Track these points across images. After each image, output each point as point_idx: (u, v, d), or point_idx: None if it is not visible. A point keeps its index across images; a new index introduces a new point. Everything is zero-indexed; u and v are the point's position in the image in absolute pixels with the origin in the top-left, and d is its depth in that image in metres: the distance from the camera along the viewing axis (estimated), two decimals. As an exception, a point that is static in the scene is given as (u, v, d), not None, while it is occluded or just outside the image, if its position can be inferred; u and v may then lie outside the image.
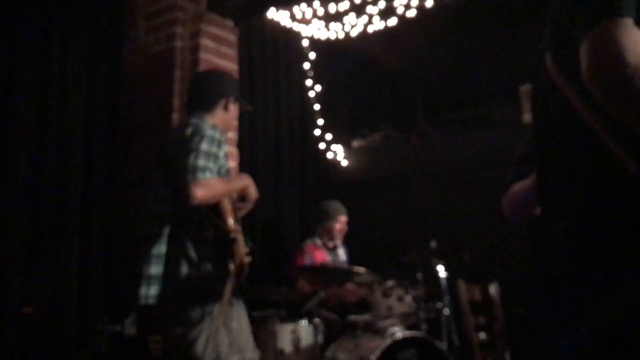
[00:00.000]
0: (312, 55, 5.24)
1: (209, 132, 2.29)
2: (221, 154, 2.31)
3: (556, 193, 1.26)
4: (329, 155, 5.40)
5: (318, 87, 5.27)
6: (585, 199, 1.17)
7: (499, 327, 3.44)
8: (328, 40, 5.20)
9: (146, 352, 2.93)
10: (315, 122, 5.30)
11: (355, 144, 5.52)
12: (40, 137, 3.13)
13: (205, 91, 2.55)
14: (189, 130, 2.33)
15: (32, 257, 2.96)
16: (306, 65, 5.23)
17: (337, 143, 5.42)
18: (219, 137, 2.31)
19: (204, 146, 2.23)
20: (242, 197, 2.46)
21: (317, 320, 3.46)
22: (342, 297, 4.07)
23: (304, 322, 3.56)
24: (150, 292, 2.27)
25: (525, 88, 4.65)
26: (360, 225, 4.62)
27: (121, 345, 2.97)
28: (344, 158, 5.42)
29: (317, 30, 5.11)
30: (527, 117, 4.61)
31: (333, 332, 3.75)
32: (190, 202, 2.15)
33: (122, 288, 3.37)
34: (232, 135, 3.87)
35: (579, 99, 1.15)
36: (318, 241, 4.35)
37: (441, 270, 3.71)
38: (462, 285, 3.43)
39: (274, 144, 4.86)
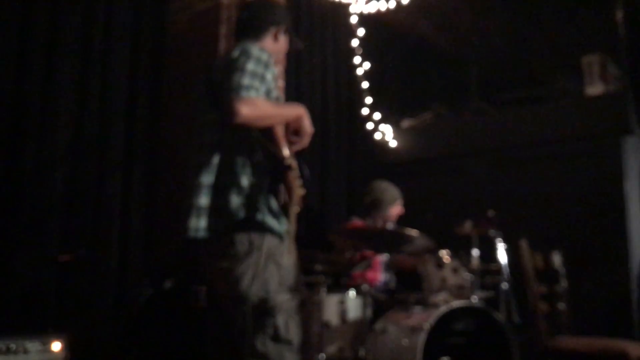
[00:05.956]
0: (360, 31, 5.07)
1: (255, 52, 2.16)
2: (268, 76, 2.15)
3: None
4: (377, 135, 5.20)
5: (367, 65, 5.09)
6: None
7: (565, 299, 3.14)
8: (378, 16, 5.03)
9: (186, 304, 2.77)
10: (363, 100, 5.12)
11: (405, 124, 5.30)
12: (84, 87, 3.07)
13: (255, 17, 2.42)
14: (236, 53, 2.20)
15: (73, 205, 2.87)
16: (354, 42, 5.06)
17: (385, 123, 5.22)
18: (266, 58, 2.16)
19: (250, 66, 2.09)
20: (295, 130, 2.27)
21: (365, 287, 3.25)
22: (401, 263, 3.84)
23: (351, 293, 3.36)
24: (200, 224, 2.10)
25: (588, 59, 4.36)
26: (411, 209, 4.38)
27: (161, 301, 2.84)
28: (393, 138, 5.21)
29: (366, 5, 4.95)
30: (591, 89, 4.31)
31: (381, 307, 3.53)
32: (235, 119, 1.99)
33: (164, 249, 3.26)
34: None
35: None
36: (370, 222, 4.12)
37: (500, 242, 3.45)
38: (525, 249, 3.14)
39: (321, 122, 4.68)
